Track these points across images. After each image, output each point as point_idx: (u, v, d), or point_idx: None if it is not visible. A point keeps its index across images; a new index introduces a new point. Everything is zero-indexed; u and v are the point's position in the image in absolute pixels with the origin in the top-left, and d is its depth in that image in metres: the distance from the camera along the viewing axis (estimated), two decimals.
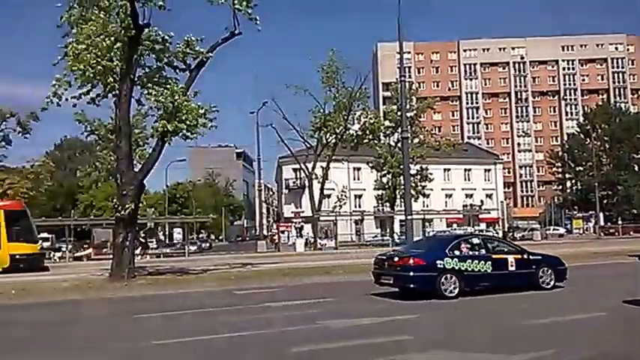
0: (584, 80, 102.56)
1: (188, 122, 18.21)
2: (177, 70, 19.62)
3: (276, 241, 48.27)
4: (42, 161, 46.21)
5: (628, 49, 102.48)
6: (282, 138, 47.12)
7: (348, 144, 46.97)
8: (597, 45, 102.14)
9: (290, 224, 49.04)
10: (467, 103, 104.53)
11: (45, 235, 39.62)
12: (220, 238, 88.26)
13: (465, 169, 71.54)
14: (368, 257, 27.17)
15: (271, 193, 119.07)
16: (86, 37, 17.48)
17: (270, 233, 69.74)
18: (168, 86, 18.36)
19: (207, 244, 63.34)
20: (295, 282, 16.61)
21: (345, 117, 44.56)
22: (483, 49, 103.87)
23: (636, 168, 74.98)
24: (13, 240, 24.14)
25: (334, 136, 45.09)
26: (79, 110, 20.31)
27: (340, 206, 48.23)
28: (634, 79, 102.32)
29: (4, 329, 9.69)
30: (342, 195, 48.82)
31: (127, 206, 17.83)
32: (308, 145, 48.11)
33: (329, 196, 50.13)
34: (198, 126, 18.57)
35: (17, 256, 23.74)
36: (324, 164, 46.51)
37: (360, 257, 27.31)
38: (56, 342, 8.59)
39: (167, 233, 53.23)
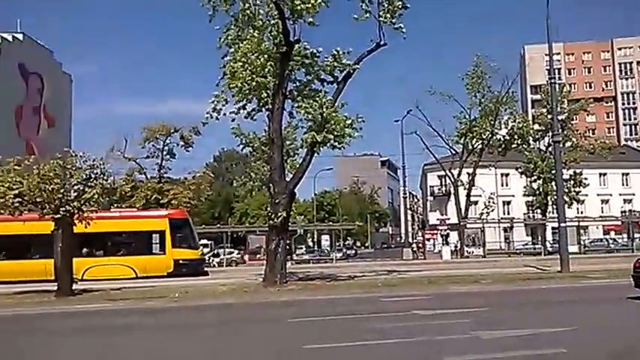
0: None
1: (336, 133, 18.93)
2: (326, 83, 20.38)
3: (422, 248, 47.80)
4: (202, 172, 49.20)
5: None
6: (427, 145, 47.17)
7: (496, 149, 45.39)
8: None
9: (436, 231, 48.28)
10: (623, 104, 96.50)
11: (205, 241, 42.71)
12: (366, 245, 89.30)
13: (623, 173, 66.16)
14: (518, 266, 26.22)
15: (416, 200, 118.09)
16: (242, 55, 18.71)
17: (415, 241, 69.19)
18: (317, 99, 19.23)
19: (353, 251, 64.40)
20: (442, 290, 16.44)
21: (492, 122, 43.43)
22: None
23: None
24: (176, 246, 26.17)
25: (480, 141, 44.16)
26: (236, 124, 21.86)
27: (487, 213, 46.55)
28: None
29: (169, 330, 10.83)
30: (489, 201, 47.11)
31: (279, 214, 18.82)
32: (453, 152, 47.51)
33: (476, 202, 48.72)
34: (345, 136, 19.22)
35: (180, 261, 25.75)
36: (470, 170, 45.55)
37: (508, 266, 26.25)
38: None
39: (315, 240, 55.21)
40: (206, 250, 41.17)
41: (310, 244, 56.12)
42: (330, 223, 58.56)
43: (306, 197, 74.44)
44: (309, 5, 18.05)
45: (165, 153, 44.75)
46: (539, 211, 47.83)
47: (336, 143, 19.29)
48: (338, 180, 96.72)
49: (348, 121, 19.19)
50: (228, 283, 19.70)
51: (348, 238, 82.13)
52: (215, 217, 65.11)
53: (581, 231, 48.23)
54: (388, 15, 18.69)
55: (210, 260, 38.85)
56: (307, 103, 19.21)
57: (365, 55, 19.95)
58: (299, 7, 18.03)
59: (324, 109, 18.69)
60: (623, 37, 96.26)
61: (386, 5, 18.85)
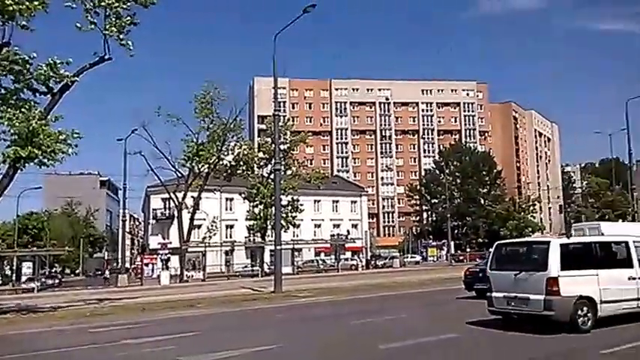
0: (440, 121, 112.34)
1: (44, 148, 17.14)
2: (38, 93, 18.42)
3: (140, 273, 46.04)
4: None
5: (477, 95, 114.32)
6: (152, 167, 45.21)
7: (221, 174, 46.61)
8: (452, 90, 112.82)
9: (156, 256, 47.09)
10: (337, 139, 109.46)
11: None
12: (77, 272, 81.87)
13: (334, 201, 74.06)
14: (235, 288, 27.39)
15: (137, 223, 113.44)
16: None
17: (133, 266, 66.11)
18: (24, 109, 17.19)
19: (56, 280, 53.80)
20: (156, 316, 16.13)
21: (219, 147, 44.27)
22: (353, 89, 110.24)
23: (482, 201, 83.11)
24: None
25: (207, 166, 44.57)
26: None
27: (210, 237, 47.42)
28: (482, 122, 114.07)
29: None
30: (212, 225, 48.05)
31: None
32: (179, 175, 46.88)
33: (199, 226, 49.07)
34: (57, 152, 17.55)
35: None
36: (196, 194, 45.61)
37: (226, 288, 27.01)
38: None
39: (14, 267, 48.29)
40: None
41: (8, 272, 48.98)
42: (35, 248, 52.31)
43: (7, 219, 65.55)
44: (23, 7, 16.32)
45: None
46: (259, 234, 50.12)
47: (45, 160, 17.48)
48: (47, 200, 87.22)
49: (62, 136, 17.59)
50: None
51: (56, 264, 74.51)
52: None
53: (296, 253, 52.96)
54: (115, 29, 17.96)
55: None
56: (12, 113, 17.00)
57: (87, 67, 18.68)
58: (10, 8, 16.15)
59: (32, 122, 16.78)
60: (340, 78, 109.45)
61: (113, 19, 18.09)
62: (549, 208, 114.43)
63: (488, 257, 12.54)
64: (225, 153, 45.65)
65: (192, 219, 45.40)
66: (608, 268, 10.76)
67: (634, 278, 10.89)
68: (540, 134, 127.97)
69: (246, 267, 52.56)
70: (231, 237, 63.85)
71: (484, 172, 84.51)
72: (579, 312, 10.07)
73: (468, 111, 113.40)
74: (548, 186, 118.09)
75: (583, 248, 11.16)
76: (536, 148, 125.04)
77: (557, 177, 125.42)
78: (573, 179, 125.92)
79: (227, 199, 63.04)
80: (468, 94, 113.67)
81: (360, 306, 16.99)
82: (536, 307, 10.18)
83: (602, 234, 12.18)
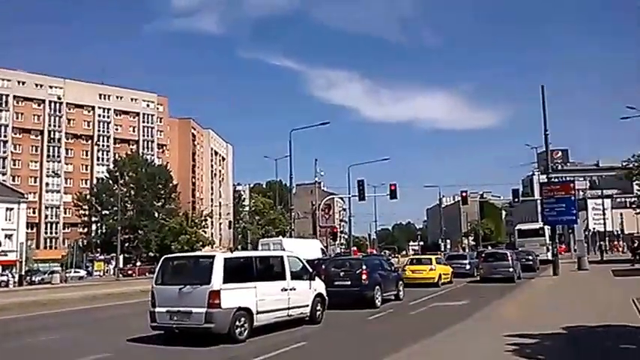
0: (117, 129, 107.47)
1: None
2: None
3: None
4: None
5: (158, 108, 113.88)
6: None
7: None
8: (132, 99, 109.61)
9: None
10: None
11: None
12: None
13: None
14: None
15: None
16: None
17: None
18: None
19: None
20: None
21: None
22: (19, 82, 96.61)
23: (156, 214, 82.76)
24: None
25: None
26: None
27: None
28: (160, 134, 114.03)
29: None
30: None
31: None
32: None
33: None
34: None
35: None
36: None
37: None
38: None
39: None
40: None
41: None
42: None
43: None
44: None
45: None
46: None
47: None
48: None
49: None
50: None
51: None
52: None
53: None
54: None
55: None
56: None
57: None
58: None
59: None
60: (4, 68, 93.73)
61: None
62: (220, 223, 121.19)
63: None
64: None
65: None
66: (265, 280, 11.69)
67: (286, 289, 12.12)
68: (216, 153, 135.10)
69: None
70: None
71: (160, 185, 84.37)
72: (237, 323, 10.60)
73: (148, 122, 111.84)
74: (220, 202, 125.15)
75: (244, 262, 11.90)
76: (212, 165, 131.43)
77: (229, 194, 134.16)
78: (243, 197, 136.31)
79: None
80: (148, 105, 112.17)
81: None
82: (197, 320, 10.35)
83: (284, 248, 13.22)
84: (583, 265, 31.33)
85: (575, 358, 8.13)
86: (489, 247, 66.33)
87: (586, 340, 9.83)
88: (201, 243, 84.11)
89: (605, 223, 79.88)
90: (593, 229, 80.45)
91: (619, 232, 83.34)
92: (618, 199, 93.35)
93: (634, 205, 49.97)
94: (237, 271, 11.09)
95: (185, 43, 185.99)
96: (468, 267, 31.24)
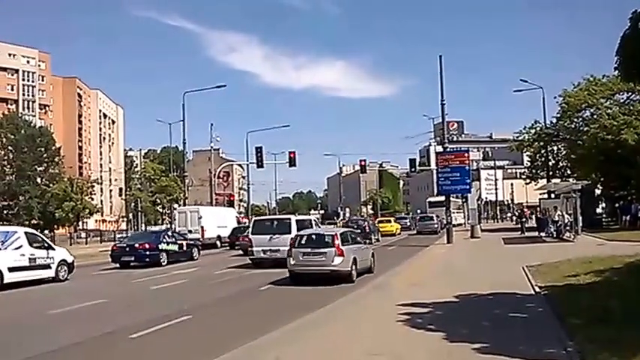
0: None
1: None
2: None
3: None
4: None
5: (39, 65, 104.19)
6: None
7: None
8: (10, 55, 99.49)
9: None
10: None
11: None
12: None
13: None
14: None
15: None
16: None
17: None
18: None
19: None
20: None
21: None
22: None
23: (38, 180, 76.47)
24: None
25: None
26: None
27: None
28: (43, 94, 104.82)
29: None
30: None
31: None
32: None
33: None
34: None
35: None
36: None
37: None
38: None
39: None
40: None
41: None
42: None
43: None
44: None
45: None
46: None
47: None
48: None
49: None
50: None
51: None
52: None
53: None
54: None
55: None
56: None
57: None
58: None
59: None
60: None
61: None
62: (110, 190, 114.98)
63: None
64: None
65: None
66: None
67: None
68: (105, 115, 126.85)
69: None
70: None
71: (41, 149, 77.64)
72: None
73: (28, 80, 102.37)
74: (110, 168, 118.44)
75: (304, 221, 21.95)
76: (100, 129, 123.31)
77: (120, 160, 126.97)
78: (135, 164, 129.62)
79: None
80: (28, 62, 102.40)
81: None
82: (283, 254, 16.45)
83: (201, 217, 26.72)
84: (475, 234, 33.07)
85: (464, 326, 8.11)
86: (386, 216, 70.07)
87: (476, 308, 10.01)
88: (87, 210, 79.15)
89: (496, 193, 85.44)
90: (486, 198, 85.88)
91: (509, 202, 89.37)
92: (509, 170, 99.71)
93: (524, 176, 52.81)
94: (301, 228, 19.36)
95: None
96: (408, 223, 56.27)
